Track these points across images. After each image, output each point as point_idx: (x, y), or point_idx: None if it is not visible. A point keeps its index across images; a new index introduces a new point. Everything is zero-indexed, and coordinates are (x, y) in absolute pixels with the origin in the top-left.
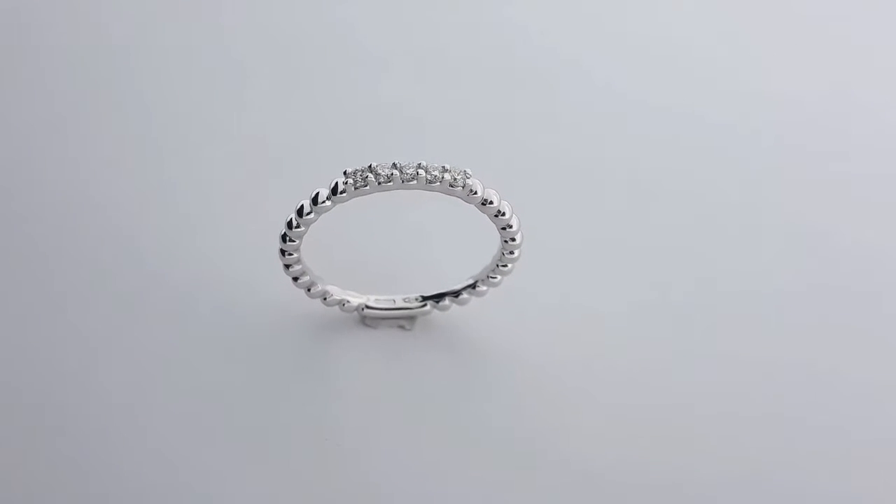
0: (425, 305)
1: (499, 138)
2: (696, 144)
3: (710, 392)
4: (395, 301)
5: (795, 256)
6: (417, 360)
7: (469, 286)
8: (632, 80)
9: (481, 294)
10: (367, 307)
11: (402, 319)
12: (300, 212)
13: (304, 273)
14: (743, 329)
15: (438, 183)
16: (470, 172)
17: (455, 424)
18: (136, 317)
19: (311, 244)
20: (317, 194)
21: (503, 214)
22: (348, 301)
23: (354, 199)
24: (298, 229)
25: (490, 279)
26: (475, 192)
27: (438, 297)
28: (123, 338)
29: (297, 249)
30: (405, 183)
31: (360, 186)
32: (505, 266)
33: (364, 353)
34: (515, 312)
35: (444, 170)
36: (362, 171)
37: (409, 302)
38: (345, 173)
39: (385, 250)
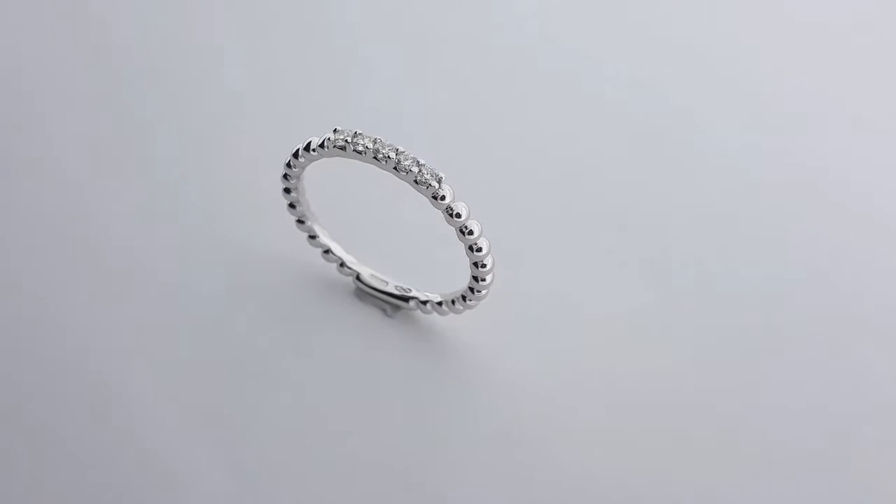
0: (411, 301)
1: (496, 136)
2: (689, 142)
3: (702, 394)
4: (387, 284)
5: (795, 256)
6: (389, 347)
7: (449, 301)
8: (626, 76)
9: (458, 312)
10: (359, 279)
11: (387, 305)
12: (295, 154)
13: (306, 218)
14: (735, 329)
15: (405, 173)
16: (442, 177)
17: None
18: (133, 272)
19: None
20: (309, 143)
21: (471, 233)
22: (344, 263)
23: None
24: (294, 169)
25: (467, 301)
26: (442, 198)
27: (425, 300)
28: (117, 294)
29: (295, 189)
30: (377, 160)
31: (339, 147)
32: (480, 291)
33: (341, 321)
34: (500, 316)
35: (417, 163)
36: (346, 135)
37: (399, 291)
38: (335, 131)
39: (410, 236)
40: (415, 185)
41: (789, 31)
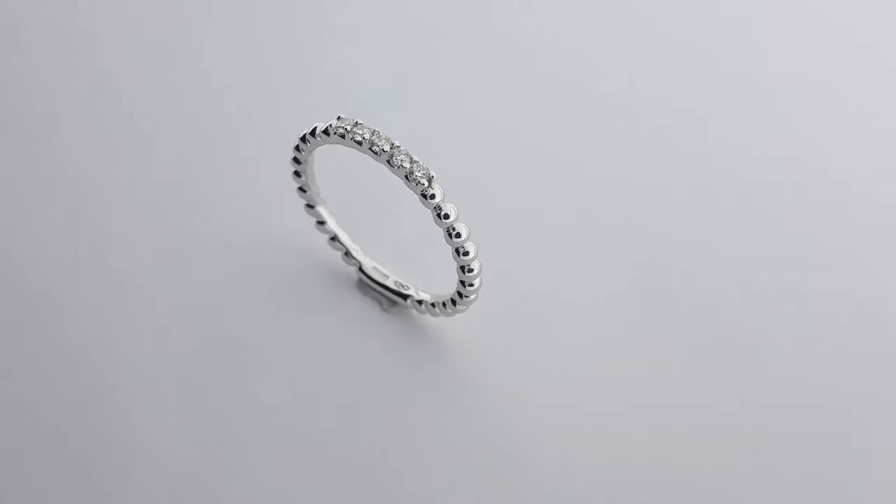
0: (408, 300)
1: (494, 136)
2: (689, 144)
3: (700, 394)
4: (387, 278)
5: (795, 257)
6: (384, 344)
7: (440, 303)
8: (625, 77)
9: (448, 315)
10: (361, 270)
11: (385, 299)
12: (303, 139)
13: (315, 203)
14: (735, 330)
15: (397, 167)
16: (434, 176)
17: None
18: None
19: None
20: (314, 128)
21: (458, 235)
22: (348, 252)
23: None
24: (302, 153)
25: (456, 306)
26: (432, 197)
27: (420, 300)
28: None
29: (304, 173)
30: (373, 152)
31: (339, 135)
32: (468, 296)
33: (338, 314)
34: (495, 316)
35: (411, 159)
36: (346, 124)
37: (398, 287)
38: (338, 118)
39: (414, 234)
40: (406, 180)
41: (789, 32)
